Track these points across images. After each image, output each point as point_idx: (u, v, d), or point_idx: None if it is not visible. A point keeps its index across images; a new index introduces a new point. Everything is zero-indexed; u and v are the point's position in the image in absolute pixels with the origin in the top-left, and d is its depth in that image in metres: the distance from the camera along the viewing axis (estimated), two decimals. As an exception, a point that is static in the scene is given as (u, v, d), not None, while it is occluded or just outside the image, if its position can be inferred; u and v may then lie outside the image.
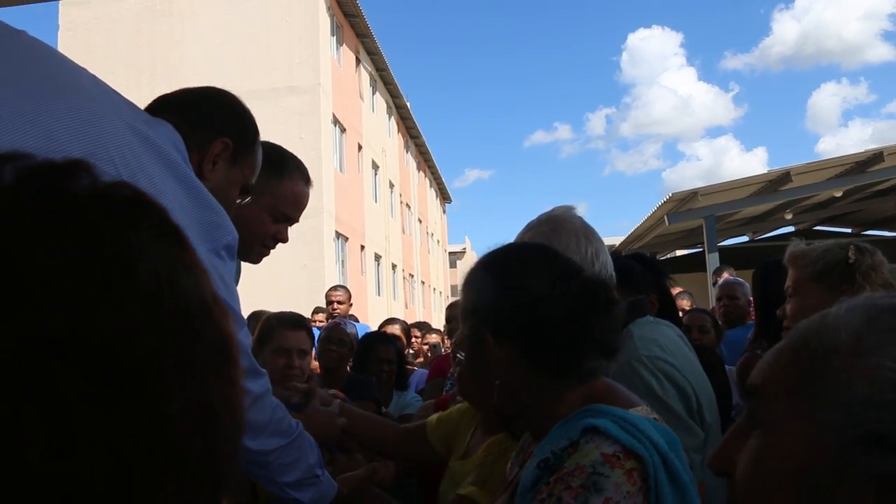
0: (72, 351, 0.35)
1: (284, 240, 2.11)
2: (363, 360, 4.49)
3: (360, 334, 5.05)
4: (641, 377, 1.78)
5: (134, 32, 20.73)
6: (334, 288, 7.32)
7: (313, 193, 2.16)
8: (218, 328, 0.43)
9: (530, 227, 1.88)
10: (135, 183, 1.06)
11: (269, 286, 17.91)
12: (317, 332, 4.14)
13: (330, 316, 6.76)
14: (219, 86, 1.82)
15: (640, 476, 1.15)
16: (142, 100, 1.60)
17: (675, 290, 6.27)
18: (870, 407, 0.63)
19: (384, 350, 4.54)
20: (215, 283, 0.45)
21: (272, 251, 2.14)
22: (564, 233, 1.80)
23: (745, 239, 18.11)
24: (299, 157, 2.17)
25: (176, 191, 1.44)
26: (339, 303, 6.92)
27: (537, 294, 1.29)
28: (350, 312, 7.29)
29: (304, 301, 13.20)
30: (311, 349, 3.01)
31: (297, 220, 2.12)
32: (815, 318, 0.73)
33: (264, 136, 1.85)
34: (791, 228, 17.03)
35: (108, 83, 1.48)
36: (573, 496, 1.12)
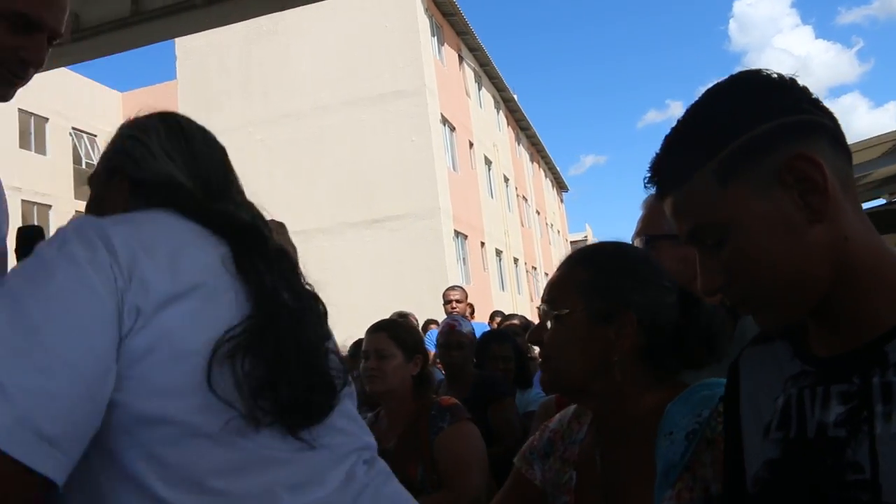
0: None
1: (34, 61, 1.32)
2: (481, 361, 4.53)
3: (478, 332, 5.00)
4: None
5: (244, 54, 21.53)
6: (451, 288, 7.38)
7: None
8: None
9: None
10: None
11: (392, 288, 18.17)
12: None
13: (449, 315, 6.80)
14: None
15: None
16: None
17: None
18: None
19: (499, 348, 4.58)
20: None
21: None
22: None
23: (881, 202, 17.10)
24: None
25: None
26: (457, 301, 6.96)
27: (673, 298, 1.42)
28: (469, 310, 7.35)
29: (428, 301, 13.29)
30: (400, 350, 3.01)
31: (50, 25, 1.31)
32: None
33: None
34: (934, 185, 15.97)
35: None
36: None
